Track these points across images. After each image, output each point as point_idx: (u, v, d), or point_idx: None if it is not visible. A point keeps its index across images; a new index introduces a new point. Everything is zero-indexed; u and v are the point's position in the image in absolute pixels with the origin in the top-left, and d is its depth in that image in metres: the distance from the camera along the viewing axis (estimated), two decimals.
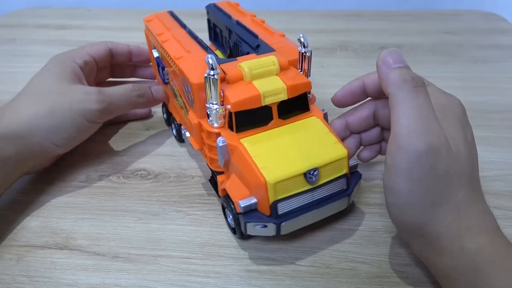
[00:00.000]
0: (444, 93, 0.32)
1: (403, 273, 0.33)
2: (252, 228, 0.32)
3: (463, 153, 0.28)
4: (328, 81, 0.58)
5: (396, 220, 0.31)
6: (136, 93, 0.43)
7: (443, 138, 0.28)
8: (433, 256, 0.29)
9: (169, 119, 0.48)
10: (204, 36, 0.44)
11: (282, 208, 0.31)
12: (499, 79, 0.58)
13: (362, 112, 0.36)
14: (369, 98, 0.37)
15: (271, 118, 0.34)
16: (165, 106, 0.48)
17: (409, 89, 0.28)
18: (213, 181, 0.39)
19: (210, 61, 0.31)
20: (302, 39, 0.34)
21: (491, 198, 0.39)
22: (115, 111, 0.42)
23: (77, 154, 0.46)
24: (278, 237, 0.36)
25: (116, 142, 0.48)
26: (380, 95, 0.36)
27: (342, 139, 0.37)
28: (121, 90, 0.42)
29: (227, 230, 0.37)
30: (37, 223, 0.38)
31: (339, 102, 0.37)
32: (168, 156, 0.45)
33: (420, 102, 0.28)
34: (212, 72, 0.31)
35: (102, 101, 0.40)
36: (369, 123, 0.37)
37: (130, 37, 0.71)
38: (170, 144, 0.47)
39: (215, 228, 0.37)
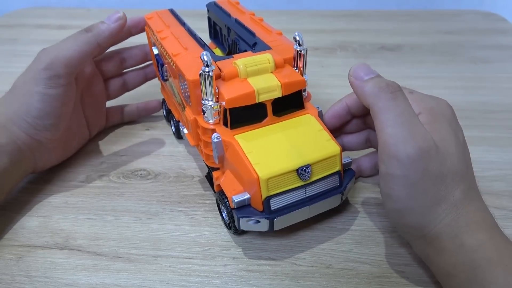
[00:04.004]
0: (430, 96, 0.33)
1: (403, 273, 0.33)
2: (245, 223, 0.32)
3: (454, 152, 0.29)
4: (327, 81, 0.58)
5: (397, 224, 0.31)
6: (81, 30, 0.39)
7: (430, 140, 0.28)
8: (434, 254, 0.29)
9: (168, 116, 0.49)
10: (204, 36, 0.44)
11: (275, 204, 0.32)
12: (499, 79, 0.58)
13: None
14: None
15: (265, 115, 0.34)
16: (164, 103, 0.49)
17: (387, 96, 0.29)
18: (209, 177, 0.39)
19: (205, 58, 0.31)
20: (297, 37, 0.35)
21: (491, 198, 0.39)
22: (67, 59, 0.38)
23: (77, 154, 0.46)
24: (278, 236, 0.36)
25: (116, 142, 0.48)
26: (365, 112, 0.37)
27: (343, 124, 0.38)
28: (66, 37, 0.39)
29: (227, 230, 0.37)
30: (37, 223, 0.38)
31: (326, 125, 0.37)
32: (168, 156, 0.45)
33: (401, 107, 0.28)
34: (207, 69, 0.31)
35: (45, 57, 0.38)
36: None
37: (130, 37, 0.72)
38: (170, 144, 0.47)
39: (215, 228, 0.37)
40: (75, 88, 0.41)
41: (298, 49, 0.35)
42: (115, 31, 0.41)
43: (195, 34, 0.40)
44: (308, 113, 0.36)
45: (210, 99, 0.33)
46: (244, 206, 0.32)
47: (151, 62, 0.49)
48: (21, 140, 0.38)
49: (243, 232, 0.36)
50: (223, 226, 0.37)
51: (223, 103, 0.33)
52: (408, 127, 0.28)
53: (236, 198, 0.32)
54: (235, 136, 0.33)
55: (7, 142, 0.37)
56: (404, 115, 0.28)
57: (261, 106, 0.34)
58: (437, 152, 0.28)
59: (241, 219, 0.32)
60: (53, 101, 0.38)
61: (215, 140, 0.33)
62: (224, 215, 0.36)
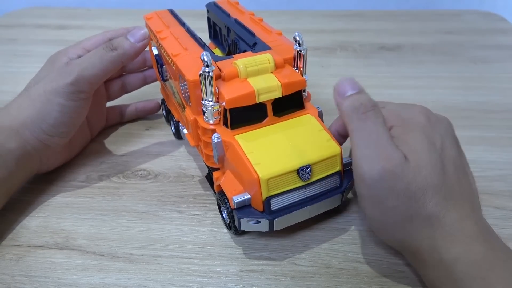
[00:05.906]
0: (403, 106, 0.33)
1: (403, 273, 0.33)
2: (246, 224, 0.32)
3: (426, 164, 0.28)
4: (327, 81, 0.58)
5: (379, 237, 0.32)
6: (106, 46, 0.39)
7: (396, 159, 0.28)
8: (418, 266, 0.30)
9: (168, 116, 0.49)
10: (204, 36, 0.44)
11: (275, 204, 0.32)
12: (499, 79, 0.58)
13: None
14: None
15: (265, 115, 0.34)
16: (164, 103, 0.49)
17: (358, 117, 0.29)
18: (209, 178, 0.39)
19: (205, 58, 0.31)
20: (297, 37, 0.35)
21: (491, 198, 0.39)
22: (92, 77, 0.38)
23: (77, 154, 0.46)
24: (278, 236, 0.36)
25: (116, 142, 0.48)
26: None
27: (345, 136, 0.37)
28: (91, 53, 0.39)
29: (227, 230, 0.37)
30: (37, 223, 0.38)
31: None
32: (168, 156, 0.45)
33: (369, 128, 0.29)
34: (207, 69, 0.31)
35: (70, 72, 0.38)
36: None
37: None
38: (170, 144, 0.47)
39: (215, 228, 0.37)
40: (91, 99, 0.41)
41: (298, 49, 0.35)
42: (140, 51, 0.40)
43: (195, 34, 0.40)
44: (308, 113, 0.36)
45: (210, 99, 0.33)
46: (244, 207, 0.32)
47: (151, 66, 0.49)
48: (30, 145, 0.38)
49: (243, 232, 0.36)
50: (223, 226, 0.37)
51: (223, 103, 0.33)
52: (375, 148, 0.28)
53: (237, 198, 0.32)
54: (235, 137, 0.33)
55: (17, 147, 0.37)
56: (371, 137, 0.29)
57: (261, 106, 0.34)
58: (404, 169, 0.28)
59: (241, 219, 0.32)
60: (72, 112, 0.39)
61: (215, 141, 0.33)
62: (224, 215, 0.36)
